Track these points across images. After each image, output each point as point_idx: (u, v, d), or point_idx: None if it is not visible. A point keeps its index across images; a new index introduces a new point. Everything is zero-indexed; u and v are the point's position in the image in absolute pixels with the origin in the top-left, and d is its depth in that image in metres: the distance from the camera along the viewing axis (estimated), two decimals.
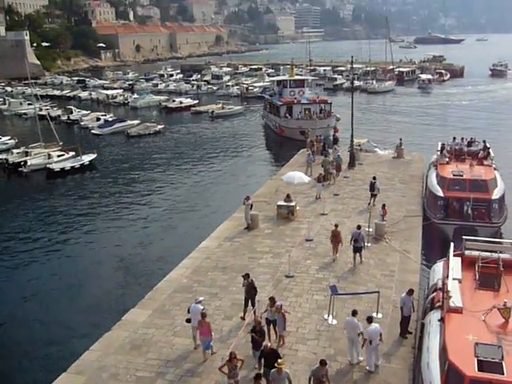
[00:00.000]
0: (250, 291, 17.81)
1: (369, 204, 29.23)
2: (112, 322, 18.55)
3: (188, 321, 16.51)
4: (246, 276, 18.08)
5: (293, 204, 27.88)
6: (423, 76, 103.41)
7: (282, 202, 28.12)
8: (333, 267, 21.93)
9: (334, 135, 45.13)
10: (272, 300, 16.35)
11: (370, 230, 24.59)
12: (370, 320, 15.17)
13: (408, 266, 21.80)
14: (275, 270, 21.71)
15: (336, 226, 22.95)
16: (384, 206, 25.79)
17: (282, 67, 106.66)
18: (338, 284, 19.37)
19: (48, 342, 20.21)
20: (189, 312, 16.51)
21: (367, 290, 19.22)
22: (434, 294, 15.91)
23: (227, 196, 36.90)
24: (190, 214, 34.16)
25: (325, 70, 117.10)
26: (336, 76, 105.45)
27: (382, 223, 24.99)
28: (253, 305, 17.71)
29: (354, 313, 15.68)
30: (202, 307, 16.35)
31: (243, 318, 17.88)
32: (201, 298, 17.19)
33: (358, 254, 22.16)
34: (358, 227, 22.43)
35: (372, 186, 29.44)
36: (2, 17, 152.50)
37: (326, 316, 17.96)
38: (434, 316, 14.46)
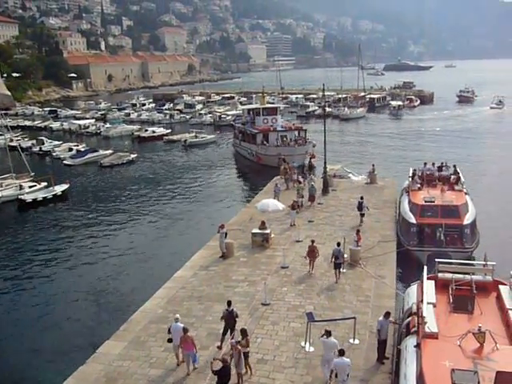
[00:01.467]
0: (230, 321, 17.68)
1: (360, 223, 30.52)
2: (86, 355, 18.24)
3: (169, 340, 16.98)
4: (228, 304, 17.95)
5: (267, 231, 27.93)
6: (394, 102, 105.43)
7: (256, 230, 28.15)
8: (309, 293, 21.94)
9: (309, 162, 45.48)
10: (243, 332, 16.24)
11: (345, 255, 24.72)
12: (341, 353, 15.06)
13: (383, 292, 21.94)
14: (251, 298, 21.64)
15: (312, 241, 24.15)
16: (358, 231, 26.04)
17: (254, 95, 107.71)
18: (314, 311, 19.37)
19: (20, 376, 19.69)
20: (169, 332, 16.97)
21: (344, 316, 19.26)
22: (409, 318, 15.98)
23: (201, 225, 36.75)
24: (164, 243, 33.91)
25: (297, 98, 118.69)
26: (308, 103, 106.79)
27: (356, 249, 25.18)
28: (231, 334, 17.57)
29: (329, 333, 15.82)
30: (181, 325, 16.80)
31: (220, 348, 17.76)
32: (178, 316, 17.66)
33: (337, 270, 23.12)
34: (338, 244, 23.56)
35: (360, 206, 30.84)
36: None
37: (303, 343, 17.92)
38: (410, 342, 14.51)
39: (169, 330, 17.13)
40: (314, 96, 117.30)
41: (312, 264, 23.97)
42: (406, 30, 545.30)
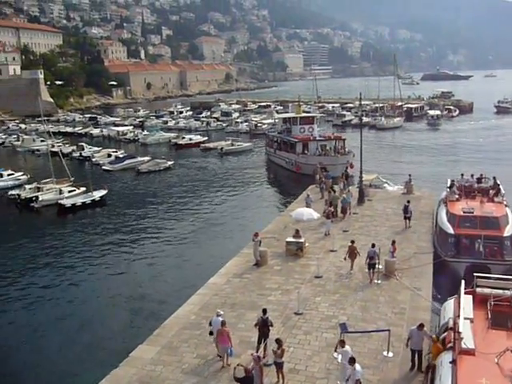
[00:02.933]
0: (264, 329, 17.63)
1: (406, 227, 31.27)
2: (119, 359, 18.41)
3: (211, 333, 17.89)
4: (263, 312, 17.91)
5: (302, 240, 27.80)
6: (432, 112, 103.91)
7: (291, 239, 28.03)
8: (342, 304, 21.73)
9: (346, 171, 44.92)
10: (278, 342, 16.16)
11: (380, 266, 24.41)
12: (353, 361, 14.86)
13: (419, 304, 21.55)
14: (284, 307, 21.55)
15: (352, 242, 25.26)
16: (394, 242, 25.67)
17: (290, 104, 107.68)
18: (347, 322, 19.17)
19: (54, 378, 20.05)
20: (210, 325, 17.85)
21: (377, 328, 19.00)
22: (446, 333, 15.66)
23: (235, 232, 36.90)
24: (198, 250, 34.13)
25: (333, 107, 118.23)
26: (344, 112, 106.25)
27: (391, 260, 24.82)
28: (265, 343, 17.52)
29: (343, 343, 16.09)
30: (221, 318, 17.49)
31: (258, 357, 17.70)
32: (221, 312, 18.30)
33: (372, 270, 23.82)
34: (373, 245, 24.09)
35: (406, 209, 31.42)
36: (18, 56, 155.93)
37: (335, 354, 17.72)
38: (446, 357, 14.18)
39: (210, 322, 17.97)
40: (351, 105, 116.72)
41: (352, 264, 24.95)
42: (444, 39, 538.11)
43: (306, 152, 54.51)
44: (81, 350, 21.96)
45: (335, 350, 17.16)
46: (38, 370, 20.93)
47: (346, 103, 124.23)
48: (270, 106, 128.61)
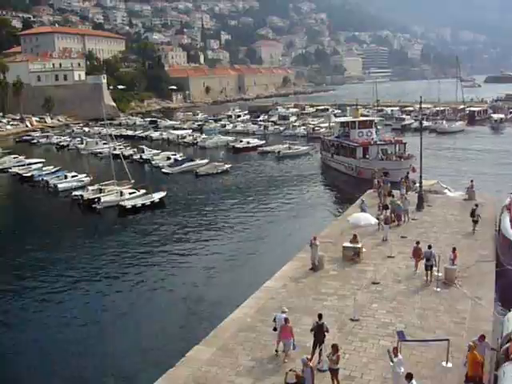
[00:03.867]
0: (319, 334, 17.56)
1: (473, 230, 30.98)
2: (175, 359, 18.72)
3: (274, 329, 18.63)
4: (319, 317, 17.87)
5: (359, 246, 27.52)
6: (495, 116, 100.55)
7: (347, 244, 27.80)
8: (400, 311, 21.37)
9: (407, 175, 43.95)
10: (334, 348, 16.05)
11: (440, 274, 23.85)
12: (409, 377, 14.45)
13: (480, 314, 20.93)
14: (340, 312, 21.38)
15: (417, 242, 25.51)
16: (454, 249, 24.97)
17: (348, 108, 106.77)
18: (405, 330, 18.80)
19: (111, 377, 20.61)
20: (274, 321, 18.66)
21: (436, 338, 18.56)
22: (508, 344, 15.17)
23: (292, 236, 36.86)
24: (254, 252, 34.34)
25: (392, 111, 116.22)
26: (404, 116, 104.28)
27: (452, 268, 24.18)
28: (320, 349, 17.44)
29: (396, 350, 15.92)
30: (284, 315, 18.31)
31: (310, 360, 17.63)
32: (286, 309, 19.10)
33: (429, 272, 23.95)
34: (429, 247, 24.28)
35: (473, 212, 31.13)
36: (83, 62, 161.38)
37: (392, 363, 17.43)
38: (509, 368, 13.76)
39: (274, 318, 18.70)
40: (411, 109, 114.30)
41: (416, 264, 25.06)
42: (509, 40, 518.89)
43: (368, 156, 53.71)
44: (137, 349, 22.51)
45: (390, 358, 16.89)
46: (95, 368, 21.57)
47: (406, 107, 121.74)
48: (327, 109, 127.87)
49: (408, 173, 44.34)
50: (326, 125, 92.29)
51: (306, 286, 24.32)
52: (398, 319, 20.71)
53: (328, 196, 51.43)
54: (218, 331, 20.52)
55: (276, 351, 18.47)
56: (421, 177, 37.62)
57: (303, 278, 25.32)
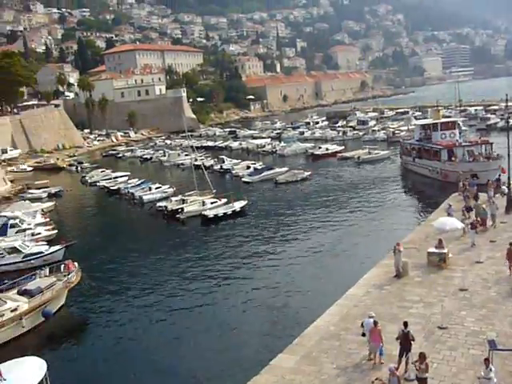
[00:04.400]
0: (405, 342, 17.23)
1: None
2: (260, 366, 18.94)
3: (363, 335, 18.79)
4: (404, 325, 17.57)
5: (445, 251, 26.70)
6: None
7: (433, 249, 27.05)
8: (491, 319, 20.55)
9: (498, 177, 41.99)
10: (422, 356, 15.68)
11: None
12: None
13: None
14: (427, 320, 20.85)
15: (511, 243, 24.34)
16: None
17: (429, 110, 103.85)
18: (497, 338, 18.06)
19: (197, 379, 21.12)
20: (362, 326, 18.82)
21: None
22: None
23: (374, 242, 36.27)
24: (336, 260, 34.14)
25: (476, 110, 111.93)
26: (489, 115, 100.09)
27: None
28: (406, 357, 17.09)
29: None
30: (372, 319, 18.37)
31: (397, 369, 17.33)
32: (373, 314, 19.08)
33: None
34: None
35: None
36: (163, 77, 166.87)
37: (483, 373, 16.79)
38: None
39: (362, 324, 18.90)
40: (496, 107, 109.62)
41: (511, 267, 24.18)
42: None
43: (454, 159, 52.00)
44: (222, 355, 22.94)
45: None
46: (183, 370, 22.18)
47: (490, 105, 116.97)
48: (407, 112, 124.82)
49: (500, 175, 42.53)
50: (406, 128, 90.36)
51: (390, 294, 23.88)
52: (489, 327, 19.93)
53: (411, 201, 50.23)
54: (302, 339, 20.54)
55: (370, 358, 18.33)
56: (509, 178, 36.05)
57: (387, 285, 24.89)
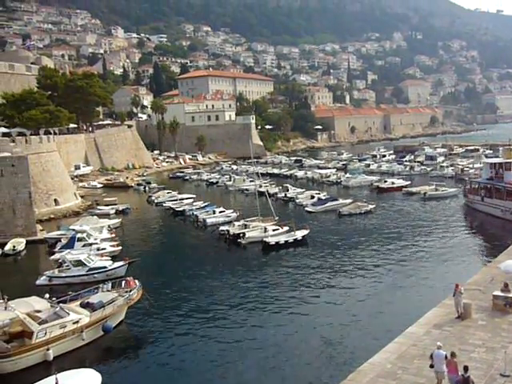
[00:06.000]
0: None
1: None
2: None
3: (431, 366, 18.80)
4: (464, 370, 17.15)
5: (511, 295, 25.83)
6: None
7: (498, 292, 26.22)
8: None
9: None
10: None
11: None
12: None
13: None
14: (489, 366, 20.20)
15: None
16: None
17: (500, 148, 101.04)
18: None
19: None
20: (431, 358, 18.85)
21: None
22: None
23: (437, 281, 35.46)
24: (397, 296, 33.56)
25: None
26: None
27: None
28: None
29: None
30: (444, 352, 18.58)
31: None
32: (441, 345, 19.28)
33: None
34: None
35: None
36: (234, 103, 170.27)
37: None
38: None
39: (431, 355, 18.90)
40: None
41: None
42: None
43: None
44: None
45: None
46: None
47: None
48: (478, 149, 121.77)
49: None
50: (477, 166, 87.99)
51: (452, 335, 23.29)
52: None
53: (477, 241, 48.75)
54: (356, 375, 20.30)
55: None
56: None
57: (448, 326, 24.29)
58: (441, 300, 27.80)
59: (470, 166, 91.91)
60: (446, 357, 18.28)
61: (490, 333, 23.36)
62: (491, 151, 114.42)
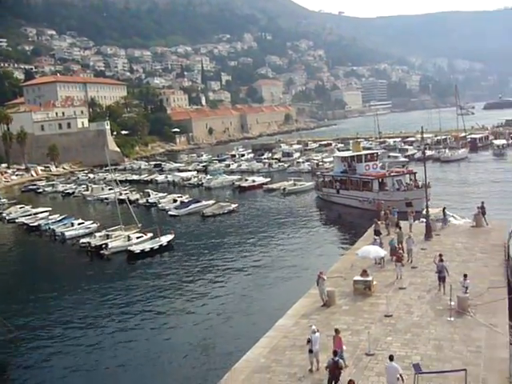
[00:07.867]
0: (335, 371, 17.39)
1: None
2: None
3: (311, 351, 19.46)
4: (333, 354, 17.73)
5: (370, 279, 27.36)
6: (497, 142, 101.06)
7: (358, 277, 27.66)
8: (415, 343, 21.15)
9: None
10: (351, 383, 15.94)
11: (453, 303, 23.66)
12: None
13: (496, 341, 20.69)
14: (354, 347, 21.17)
15: (441, 257, 26.54)
16: (465, 276, 24.79)
17: (351, 141, 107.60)
18: (421, 362, 18.61)
19: None
20: (309, 342, 19.61)
21: (453, 368, 18.32)
22: None
23: (302, 272, 36.71)
24: (265, 291, 34.18)
25: (394, 142, 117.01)
26: (407, 147, 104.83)
27: (464, 296, 23.99)
28: None
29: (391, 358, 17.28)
30: (318, 334, 19.90)
31: None
32: (316, 328, 20.25)
33: (442, 283, 25.80)
34: (441, 260, 26.16)
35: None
36: (86, 110, 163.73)
37: None
38: None
39: (308, 340, 19.77)
40: (413, 139, 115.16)
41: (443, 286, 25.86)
42: (505, 67, 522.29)
43: (386, 188, 53.97)
44: None
45: None
46: None
47: (408, 137, 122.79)
48: (330, 144, 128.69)
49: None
50: (331, 159, 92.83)
51: (319, 323, 24.06)
52: (414, 351, 20.50)
53: (335, 230, 51.33)
54: (232, 373, 20.30)
55: (310, 370, 19.53)
56: (427, 206, 37.71)
57: (315, 315, 25.13)
58: (307, 290, 28.72)
59: (325, 160, 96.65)
60: (335, 331, 19.93)
61: (353, 316, 24.52)
62: (342, 145, 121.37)
